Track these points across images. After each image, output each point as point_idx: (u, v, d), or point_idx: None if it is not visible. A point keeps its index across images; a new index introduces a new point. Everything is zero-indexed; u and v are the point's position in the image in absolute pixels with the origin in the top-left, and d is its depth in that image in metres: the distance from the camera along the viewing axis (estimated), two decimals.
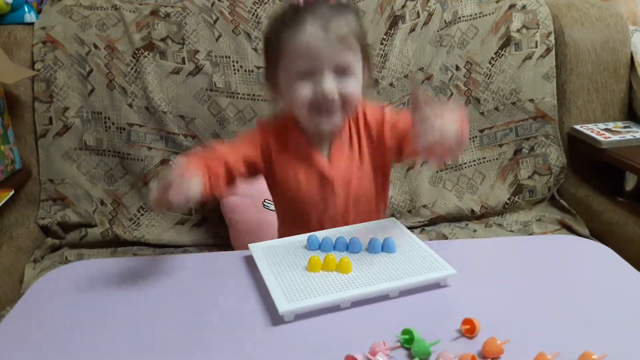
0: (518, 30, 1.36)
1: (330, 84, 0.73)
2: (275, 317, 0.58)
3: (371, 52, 0.82)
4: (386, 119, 0.81)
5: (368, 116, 0.82)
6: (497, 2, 1.37)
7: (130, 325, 0.59)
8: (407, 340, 0.54)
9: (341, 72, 0.74)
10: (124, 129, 1.26)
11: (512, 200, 1.36)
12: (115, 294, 0.65)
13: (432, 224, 1.32)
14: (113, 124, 1.26)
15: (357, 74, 0.76)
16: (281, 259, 0.68)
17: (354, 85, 0.76)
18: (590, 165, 1.35)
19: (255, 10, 1.29)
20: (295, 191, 0.81)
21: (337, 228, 0.76)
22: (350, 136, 0.81)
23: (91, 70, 1.24)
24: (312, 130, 0.80)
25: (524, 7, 1.37)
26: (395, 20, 1.32)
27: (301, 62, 0.74)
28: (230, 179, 0.78)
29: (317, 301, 0.58)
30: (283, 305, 0.57)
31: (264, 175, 0.84)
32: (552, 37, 1.36)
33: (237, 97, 1.28)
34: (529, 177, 1.37)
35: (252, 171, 0.81)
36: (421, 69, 1.33)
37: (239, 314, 0.60)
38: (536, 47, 1.36)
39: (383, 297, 0.62)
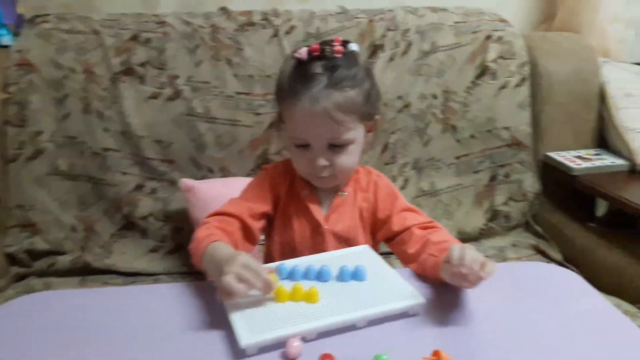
0: (494, 60, 1.38)
1: (321, 161, 0.75)
2: (238, 350, 0.56)
3: (379, 112, 0.81)
4: (396, 207, 0.83)
5: (379, 193, 0.84)
6: (474, 33, 1.41)
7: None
8: None
9: (336, 146, 0.76)
10: (98, 153, 1.24)
11: (487, 226, 1.36)
12: (75, 328, 0.63)
13: None
14: (89, 148, 1.24)
15: (356, 142, 0.77)
16: None
17: (350, 156, 0.77)
18: (564, 191, 1.37)
19: (237, 38, 1.30)
20: (288, 237, 0.83)
21: (309, 256, 0.75)
22: (355, 197, 0.83)
23: (67, 95, 1.23)
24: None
25: (500, 38, 1.40)
26: (375, 50, 1.35)
27: (297, 134, 0.76)
28: (250, 236, 0.79)
29: (280, 333, 0.57)
30: (245, 338, 0.56)
31: None
32: (526, 67, 1.39)
33: (217, 122, 1.27)
34: (504, 203, 1.38)
35: (268, 222, 0.84)
36: (400, 97, 1.35)
37: (202, 347, 0.58)
38: (511, 76, 1.39)
39: (350, 327, 0.60)
